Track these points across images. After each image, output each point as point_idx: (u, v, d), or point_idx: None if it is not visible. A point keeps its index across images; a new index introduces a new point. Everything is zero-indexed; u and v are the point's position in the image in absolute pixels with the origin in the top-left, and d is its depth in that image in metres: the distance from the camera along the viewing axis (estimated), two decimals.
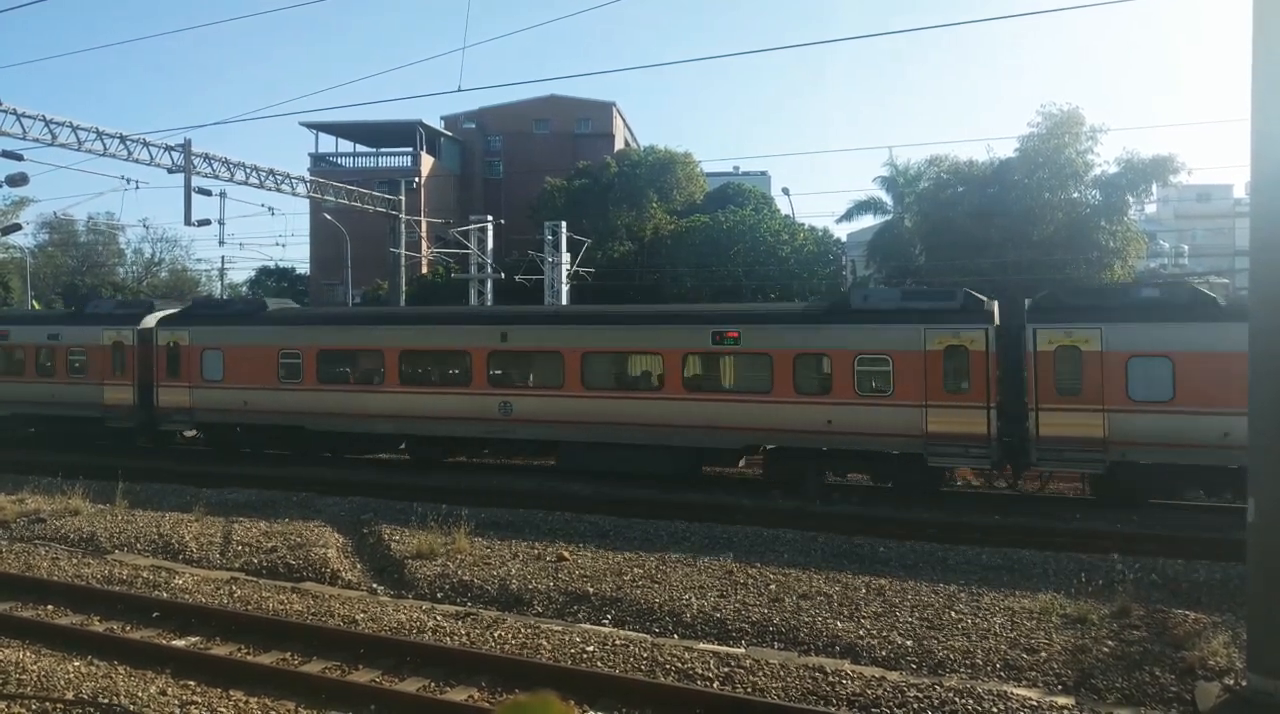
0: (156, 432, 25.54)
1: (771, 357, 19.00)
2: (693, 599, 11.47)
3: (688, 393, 19.64)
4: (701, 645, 10.10)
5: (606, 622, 11.17)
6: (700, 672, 9.15)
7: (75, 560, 13.96)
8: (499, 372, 21.42)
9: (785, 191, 48.84)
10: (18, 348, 26.99)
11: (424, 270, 48.22)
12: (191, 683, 9.07)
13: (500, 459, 23.19)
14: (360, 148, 60.31)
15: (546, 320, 22.34)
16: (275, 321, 24.35)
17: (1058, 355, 17.15)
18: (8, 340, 27.13)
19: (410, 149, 57.51)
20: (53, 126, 24.53)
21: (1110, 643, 9.87)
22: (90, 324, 26.05)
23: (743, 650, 10.02)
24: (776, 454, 19.46)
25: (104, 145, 25.75)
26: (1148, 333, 16.70)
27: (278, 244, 64.12)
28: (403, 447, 24.01)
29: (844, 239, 48.54)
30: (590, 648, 9.88)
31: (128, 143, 26.26)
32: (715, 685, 8.89)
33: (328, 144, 59.08)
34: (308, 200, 37.43)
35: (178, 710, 8.40)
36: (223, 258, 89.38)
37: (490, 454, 23.25)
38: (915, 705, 8.34)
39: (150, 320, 25.49)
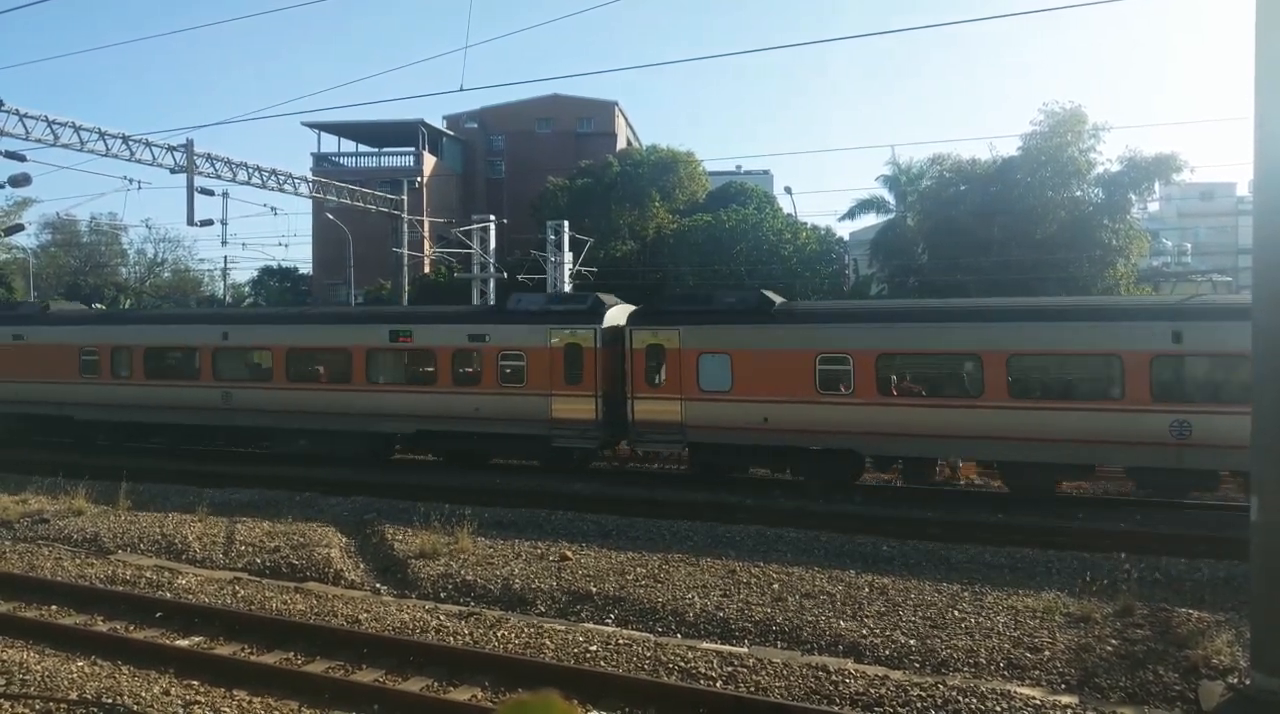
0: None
1: None
2: (696, 598, 11.48)
3: None
4: (705, 645, 10.11)
5: (609, 621, 11.18)
6: (703, 671, 9.16)
7: (79, 561, 13.98)
8: (1169, 381, 16.88)
9: (788, 190, 48.92)
10: (427, 352, 22.32)
11: (426, 270, 48.25)
12: (195, 683, 9.08)
13: (1171, 498, 17.66)
14: (362, 148, 60.36)
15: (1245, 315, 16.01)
16: (804, 319, 19.85)
17: None
18: (412, 343, 22.51)
19: (412, 149, 57.54)
20: (55, 127, 24.57)
21: (1113, 642, 9.86)
22: (529, 322, 21.31)
23: (746, 650, 10.02)
24: None
25: (106, 145, 25.80)
26: None
27: (280, 244, 64.00)
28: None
29: (846, 238, 48.60)
30: (593, 647, 9.89)
31: (130, 143, 26.30)
32: (718, 685, 8.89)
33: (330, 144, 59.18)
34: (310, 200, 37.47)
35: (181, 710, 8.41)
36: (225, 258, 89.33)
37: (1145, 491, 18.08)
38: (919, 705, 8.34)
39: (616, 317, 21.19)
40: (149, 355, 25.12)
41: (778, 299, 20.68)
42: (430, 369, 22.23)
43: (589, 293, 23.71)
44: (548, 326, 21.02)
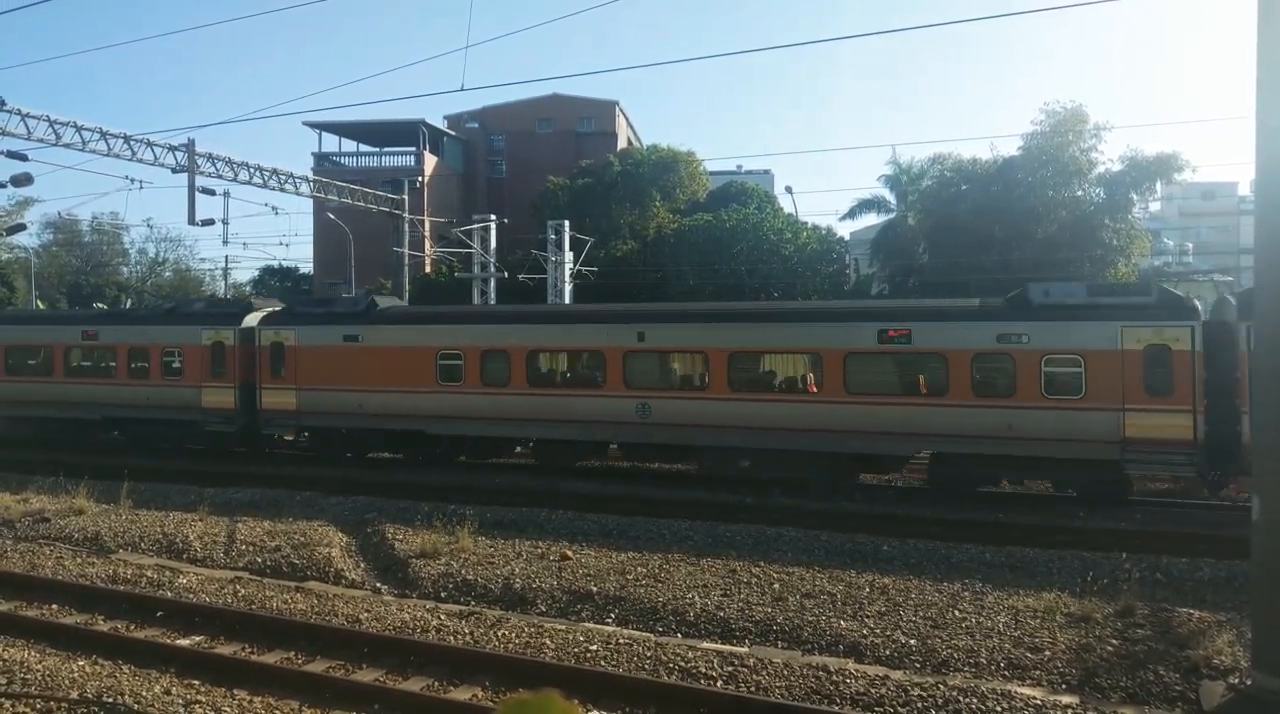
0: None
1: None
2: (696, 598, 11.48)
3: None
4: (705, 644, 10.11)
5: (610, 621, 11.17)
6: (704, 671, 9.15)
7: (80, 560, 13.98)
8: None
9: (788, 190, 48.93)
10: (935, 356, 18.31)
11: (427, 269, 48.26)
12: (196, 682, 9.09)
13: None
14: (363, 147, 60.45)
15: None
16: None
17: None
18: (910, 346, 18.56)
19: (413, 148, 57.58)
20: (57, 127, 24.60)
21: (1114, 642, 9.85)
22: (1086, 319, 17.19)
23: (746, 649, 10.01)
24: None
25: (108, 145, 25.82)
26: None
27: (281, 243, 64.28)
28: None
29: (847, 237, 48.59)
30: (594, 647, 9.88)
31: (132, 143, 26.32)
32: (719, 684, 8.88)
33: (331, 144, 59.25)
34: (311, 200, 37.47)
35: (182, 710, 8.41)
36: (226, 257, 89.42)
37: None
38: (919, 704, 8.33)
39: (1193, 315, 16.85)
40: (533, 359, 21.56)
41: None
42: (939, 377, 18.27)
43: (1145, 283, 18.78)
44: (1119, 323, 16.84)
